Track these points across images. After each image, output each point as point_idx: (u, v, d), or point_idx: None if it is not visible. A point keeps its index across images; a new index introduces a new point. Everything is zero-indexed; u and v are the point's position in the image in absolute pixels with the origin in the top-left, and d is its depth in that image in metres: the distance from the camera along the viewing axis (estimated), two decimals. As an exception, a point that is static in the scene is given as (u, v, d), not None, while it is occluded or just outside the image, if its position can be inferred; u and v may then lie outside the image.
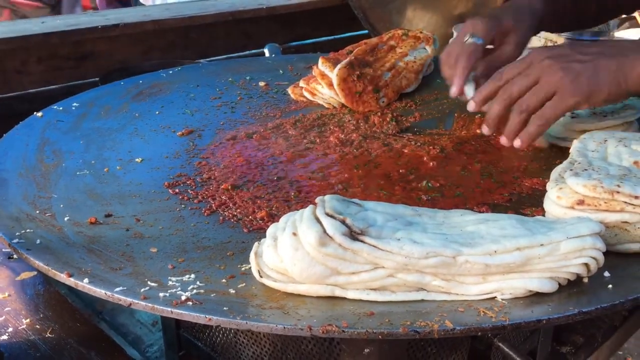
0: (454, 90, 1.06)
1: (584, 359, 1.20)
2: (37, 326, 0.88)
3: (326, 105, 1.28)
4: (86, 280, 0.66)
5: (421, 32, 1.41)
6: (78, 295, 1.24)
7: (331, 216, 0.66)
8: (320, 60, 1.29)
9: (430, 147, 1.08)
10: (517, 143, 0.96)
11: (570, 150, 0.89)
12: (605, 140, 0.89)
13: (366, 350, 0.76)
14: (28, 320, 0.89)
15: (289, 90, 1.36)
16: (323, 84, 1.26)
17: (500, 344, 0.92)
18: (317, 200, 0.70)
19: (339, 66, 1.25)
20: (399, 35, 1.40)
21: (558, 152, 1.06)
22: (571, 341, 1.20)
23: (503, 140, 0.98)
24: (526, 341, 1.06)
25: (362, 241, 0.64)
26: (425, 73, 1.40)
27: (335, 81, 1.24)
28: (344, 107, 1.27)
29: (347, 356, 0.79)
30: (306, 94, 1.31)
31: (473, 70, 1.07)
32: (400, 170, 1.01)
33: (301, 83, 1.34)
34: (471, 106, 1.00)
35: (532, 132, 0.94)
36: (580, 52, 0.93)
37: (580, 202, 0.73)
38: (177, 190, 0.94)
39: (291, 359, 0.90)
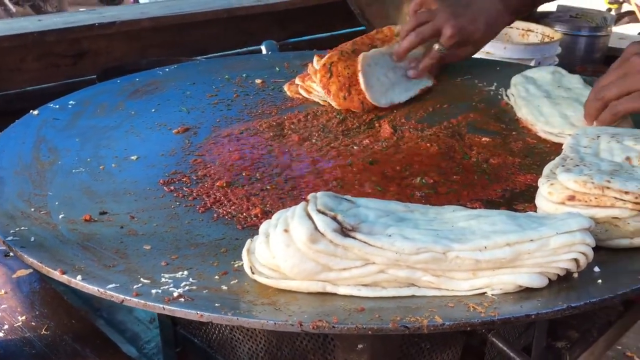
0: (411, 74, 1.34)
1: (580, 354, 1.21)
2: (33, 323, 0.88)
3: (322, 103, 1.29)
4: (79, 277, 0.67)
5: None
6: (75, 292, 1.24)
7: (322, 213, 0.67)
8: (314, 58, 1.29)
9: (426, 144, 1.09)
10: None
11: (563, 146, 0.90)
12: (598, 136, 0.90)
13: (359, 346, 0.76)
14: (24, 317, 0.90)
15: (285, 88, 1.36)
16: (317, 80, 1.27)
17: (494, 340, 0.92)
18: (309, 197, 0.71)
19: (320, 64, 1.26)
20: (392, 33, 1.39)
21: (552, 148, 1.07)
22: (566, 336, 1.21)
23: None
24: (521, 337, 1.06)
25: (353, 237, 0.65)
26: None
27: (317, 78, 1.25)
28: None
29: (340, 352, 0.79)
30: (302, 91, 1.32)
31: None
32: (395, 167, 1.01)
33: (297, 80, 1.34)
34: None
35: (602, 120, 1.01)
36: None
37: (571, 198, 0.73)
38: (172, 188, 0.94)
39: (286, 354, 0.90)
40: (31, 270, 0.99)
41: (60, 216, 0.83)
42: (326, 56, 1.26)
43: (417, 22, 1.29)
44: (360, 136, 1.13)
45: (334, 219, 0.66)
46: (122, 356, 0.84)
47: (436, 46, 1.30)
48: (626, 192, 0.71)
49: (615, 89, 0.98)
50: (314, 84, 1.29)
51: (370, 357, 0.76)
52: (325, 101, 1.28)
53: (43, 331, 0.86)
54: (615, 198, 0.71)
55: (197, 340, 1.04)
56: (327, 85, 1.25)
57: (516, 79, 1.29)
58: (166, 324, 1.08)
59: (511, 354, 0.90)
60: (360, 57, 1.25)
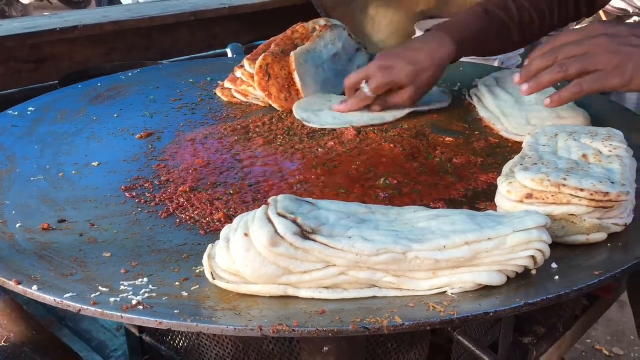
0: (336, 108, 1.23)
1: (546, 349, 1.23)
2: (-8, 335, 0.87)
3: (262, 104, 1.29)
4: (35, 287, 0.66)
5: (327, 22, 1.40)
6: (39, 303, 1.22)
7: (283, 216, 0.67)
8: (246, 63, 1.29)
9: (390, 145, 1.09)
10: (546, 102, 0.98)
11: (523, 145, 0.91)
12: (557, 135, 0.91)
13: (325, 349, 0.77)
14: (-18, 329, 0.88)
15: (218, 92, 1.35)
16: (255, 86, 1.26)
17: (460, 338, 0.93)
18: (270, 200, 0.70)
19: (256, 67, 1.26)
20: (307, 30, 1.39)
21: (514, 147, 1.08)
22: (533, 332, 1.23)
23: (524, 87, 0.99)
24: (487, 334, 1.07)
25: (313, 240, 0.65)
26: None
27: (255, 82, 1.25)
28: None
29: (307, 355, 0.79)
30: (238, 95, 1.31)
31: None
32: (360, 169, 1.01)
33: (227, 84, 1.34)
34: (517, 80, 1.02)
35: (564, 97, 0.96)
36: (635, 35, 0.93)
37: (529, 196, 0.74)
38: (134, 194, 0.93)
39: (253, 359, 0.90)
40: (-10, 281, 0.97)
41: (18, 225, 0.82)
42: (260, 58, 1.26)
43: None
44: (325, 138, 1.13)
45: (294, 222, 0.66)
46: (83, 366, 0.82)
47: (364, 87, 1.19)
48: (581, 190, 0.72)
49: (578, 65, 0.93)
50: (250, 88, 1.29)
51: (337, 359, 0.77)
52: (265, 101, 1.28)
53: (2, 343, 0.84)
54: (572, 195, 0.72)
55: (164, 348, 1.03)
56: (267, 88, 1.25)
57: (481, 80, 1.30)
58: (132, 332, 1.07)
59: (477, 351, 0.91)
60: (292, 57, 1.26)
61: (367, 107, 1.23)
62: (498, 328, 1.09)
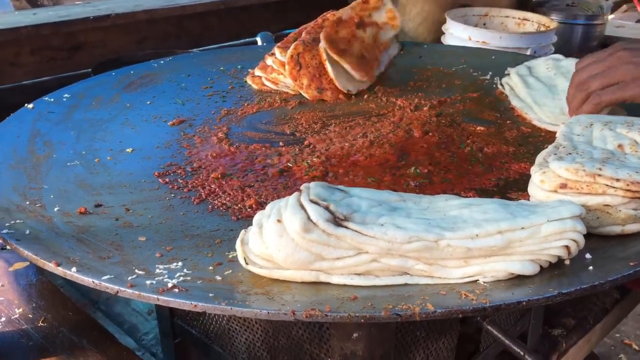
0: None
1: (576, 342, 1.22)
2: (30, 315, 0.89)
3: (293, 93, 1.29)
4: (74, 269, 0.67)
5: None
6: (73, 285, 1.25)
7: (315, 203, 0.67)
8: (276, 50, 1.29)
9: (421, 134, 1.09)
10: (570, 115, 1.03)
11: (557, 135, 0.90)
12: (591, 124, 0.90)
13: (355, 335, 0.77)
14: (20, 309, 0.90)
15: (248, 80, 1.35)
16: (285, 74, 1.26)
17: (489, 328, 0.93)
18: (302, 187, 0.71)
19: (287, 56, 1.25)
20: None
21: (546, 137, 1.07)
22: (562, 324, 1.22)
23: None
24: (517, 324, 1.07)
25: (345, 227, 0.65)
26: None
27: (286, 71, 1.25)
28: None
29: (336, 341, 0.80)
30: (268, 83, 1.31)
31: None
32: (390, 157, 1.01)
33: (257, 72, 1.34)
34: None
35: (585, 110, 0.99)
36: None
37: (563, 186, 0.73)
38: (167, 180, 0.94)
39: (282, 344, 0.91)
40: (28, 263, 1.00)
41: (56, 209, 0.84)
42: (291, 47, 1.26)
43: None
44: (357, 127, 1.13)
45: (327, 208, 0.66)
46: (119, 347, 0.84)
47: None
48: (617, 180, 0.71)
49: (599, 81, 0.98)
50: (280, 76, 1.28)
51: (366, 346, 0.77)
52: (296, 89, 1.28)
53: (40, 323, 0.87)
54: (607, 185, 0.71)
55: (195, 332, 1.05)
56: (298, 77, 1.25)
57: (514, 69, 1.29)
58: (164, 315, 1.09)
59: (506, 341, 0.90)
60: (322, 46, 1.25)
61: None
62: (527, 319, 1.08)
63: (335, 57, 1.24)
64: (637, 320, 2.69)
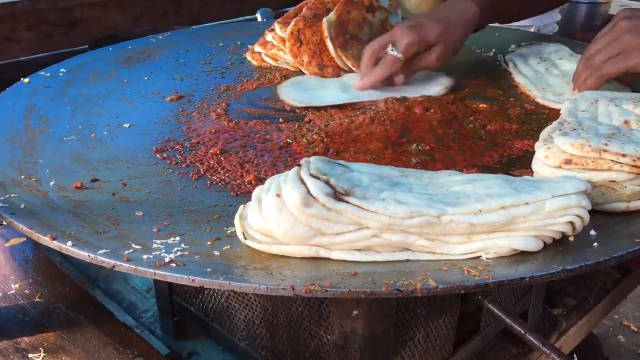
0: (358, 86, 1.15)
1: (576, 321, 1.21)
2: (26, 291, 0.88)
3: (293, 69, 1.27)
4: (69, 243, 0.66)
5: None
6: (72, 262, 1.25)
7: (315, 177, 0.66)
8: (276, 26, 1.27)
9: (422, 110, 1.07)
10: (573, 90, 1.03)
11: (561, 111, 0.88)
12: (597, 100, 0.88)
13: (355, 312, 0.76)
14: (17, 285, 0.89)
15: (248, 56, 1.34)
16: (285, 50, 1.24)
17: (490, 306, 0.92)
18: (302, 161, 0.70)
19: (287, 32, 1.23)
20: None
21: (550, 114, 1.06)
22: (563, 304, 1.21)
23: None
24: (517, 304, 1.06)
25: (346, 202, 0.64)
26: None
27: (287, 48, 1.23)
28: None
29: (336, 318, 0.79)
30: (268, 59, 1.30)
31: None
32: (392, 134, 1.00)
33: (257, 48, 1.32)
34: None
35: (588, 84, 0.99)
36: None
37: (568, 162, 0.72)
38: (165, 155, 0.93)
39: (282, 321, 0.90)
40: (24, 239, 0.99)
41: (51, 183, 0.82)
42: (292, 23, 1.24)
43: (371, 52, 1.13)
44: (358, 103, 1.11)
45: (327, 183, 0.65)
46: (116, 323, 0.84)
47: (391, 50, 1.11)
48: (623, 155, 0.69)
49: (602, 54, 0.97)
50: (280, 52, 1.27)
51: (366, 323, 0.76)
52: (296, 66, 1.26)
53: (36, 299, 0.86)
54: (613, 161, 0.70)
55: (194, 309, 1.04)
56: (299, 54, 1.23)
57: (517, 45, 1.27)
58: (163, 293, 1.08)
59: (507, 319, 0.90)
60: (324, 23, 1.23)
61: (387, 84, 1.16)
62: (528, 298, 1.08)
63: (339, 52, 1.22)
64: (636, 301, 2.70)
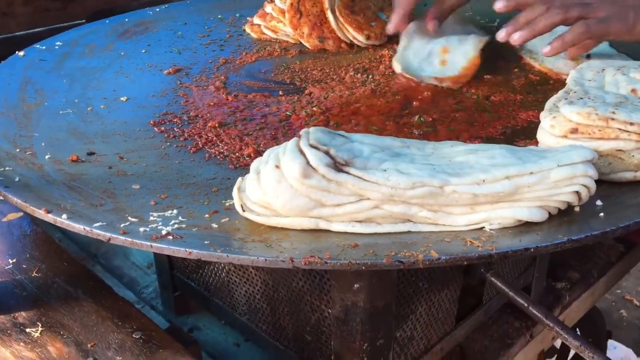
0: (389, 27, 1.15)
1: (580, 295, 1.20)
2: (24, 266, 0.87)
3: (292, 41, 1.25)
4: (64, 216, 0.65)
5: None
6: (72, 238, 1.24)
7: (315, 147, 0.64)
8: None
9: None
10: (545, 50, 0.95)
11: (567, 80, 0.86)
12: (603, 69, 0.86)
13: (356, 286, 0.75)
14: (14, 260, 0.89)
15: (247, 29, 1.31)
16: (285, 22, 1.22)
17: (493, 279, 0.91)
18: (302, 132, 0.68)
19: (287, 3, 1.20)
20: None
21: (555, 85, 1.03)
22: (567, 277, 1.20)
23: (515, 36, 0.95)
24: (520, 277, 1.05)
25: (346, 172, 0.62)
26: None
27: (287, 19, 1.20)
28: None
29: (337, 292, 0.78)
30: (267, 32, 1.27)
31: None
32: (394, 106, 0.98)
33: (256, 20, 1.29)
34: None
35: (567, 39, 0.92)
36: None
37: (574, 131, 0.70)
38: (162, 129, 0.92)
39: (282, 296, 0.89)
40: (22, 214, 0.98)
41: (47, 157, 0.81)
42: None
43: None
44: (359, 75, 1.09)
45: (327, 153, 0.63)
46: (115, 298, 0.83)
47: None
48: (631, 123, 0.68)
49: (576, 6, 0.92)
50: (280, 24, 1.24)
51: (367, 297, 0.75)
52: (296, 38, 1.24)
53: (34, 273, 0.85)
54: (620, 130, 0.68)
55: (195, 284, 1.04)
56: (299, 26, 1.21)
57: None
58: (163, 268, 1.08)
59: (510, 292, 0.89)
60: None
61: None
62: (531, 272, 1.07)
63: (340, 19, 1.19)
64: (639, 276, 2.69)
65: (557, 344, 1.64)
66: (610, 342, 2.01)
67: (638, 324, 2.47)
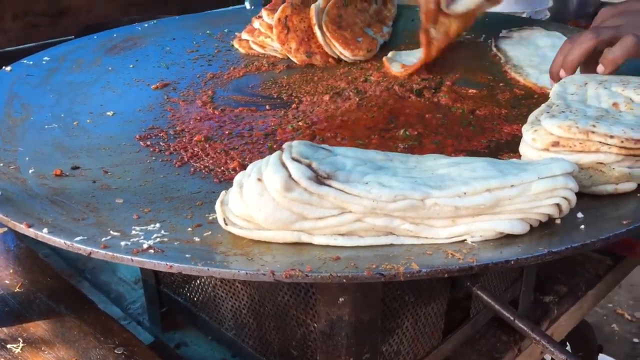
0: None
1: (568, 309, 1.20)
2: (7, 281, 0.86)
3: (280, 57, 1.26)
4: (45, 230, 0.64)
5: None
6: (60, 254, 1.23)
7: (297, 160, 0.64)
8: (264, 13, 1.26)
9: (411, 96, 1.06)
10: (600, 69, 0.92)
11: (550, 94, 0.87)
12: (586, 83, 0.87)
13: (341, 299, 0.75)
14: (-3, 275, 0.88)
15: (235, 44, 1.32)
16: (273, 37, 1.23)
17: (479, 293, 0.91)
18: (285, 145, 0.68)
19: (275, 19, 1.21)
20: None
21: (540, 99, 1.04)
22: (555, 291, 1.20)
23: (562, 73, 0.95)
24: (507, 291, 1.05)
25: (328, 185, 0.62)
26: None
27: (274, 35, 1.21)
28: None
29: (322, 306, 0.78)
30: (255, 47, 1.28)
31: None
32: (379, 120, 0.98)
33: (244, 35, 1.30)
34: None
35: (617, 53, 0.90)
36: None
37: (555, 144, 0.71)
38: (148, 143, 0.92)
39: (268, 310, 0.89)
40: (6, 229, 0.97)
41: (30, 171, 0.81)
42: (279, 10, 1.23)
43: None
44: (346, 90, 1.10)
45: (309, 166, 0.64)
46: (98, 313, 0.82)
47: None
48: (611, 136, 0.68)
49: (609, 29, 0.92)
50: (268, 39, 1.25)
51: (352, 311, 0.75)
52: (283, 53, 1.25)
53: (17, 289, 0.84)
54: (600, 143, 0.69)
55: (181, 300, 1.03)
56: (286, 41, 1.22)
57: (508, 32, 1.26)
58: (150, 283, 1.07)
59: (497, 306, 0.89)
60: (311, 10, 1.21)
61: None
62: (518, 286, 1.07)
63: (327, 34, 1.20)
64: (630, 290, 2.70)
65: (547, 358, 1.64)
66: (602, 357, 2.01)
67: (629, 337, 2.47)
